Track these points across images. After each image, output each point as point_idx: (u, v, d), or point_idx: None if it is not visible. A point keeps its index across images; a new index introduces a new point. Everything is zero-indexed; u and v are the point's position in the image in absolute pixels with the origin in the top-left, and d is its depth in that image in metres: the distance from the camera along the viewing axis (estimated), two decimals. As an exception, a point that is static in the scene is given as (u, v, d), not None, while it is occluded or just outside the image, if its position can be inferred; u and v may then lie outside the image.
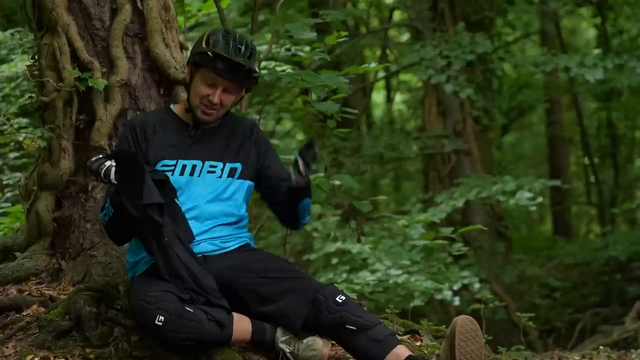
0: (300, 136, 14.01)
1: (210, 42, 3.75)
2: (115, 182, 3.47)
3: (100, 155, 3.53)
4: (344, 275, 9.04)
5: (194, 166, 3.78)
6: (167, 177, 3.68)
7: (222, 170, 3.81)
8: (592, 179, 17.04)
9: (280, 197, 3.85)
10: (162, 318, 3.38)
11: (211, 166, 3.80)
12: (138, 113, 4.38)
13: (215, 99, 3.76)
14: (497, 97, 14.01)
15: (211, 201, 3.76)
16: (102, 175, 3.47)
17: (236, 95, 3.84)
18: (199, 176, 3.77)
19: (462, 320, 3.50)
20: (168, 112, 3.97)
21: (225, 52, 3.72)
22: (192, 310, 3.43)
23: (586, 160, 17.23)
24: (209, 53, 3.73)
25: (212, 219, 3.75)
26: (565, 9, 14.37)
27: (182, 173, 3.75)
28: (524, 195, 9.88)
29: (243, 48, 3.75)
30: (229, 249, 3.75)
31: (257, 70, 3.85)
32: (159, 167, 3.75)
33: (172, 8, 4.66)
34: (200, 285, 3.51)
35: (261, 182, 3.91)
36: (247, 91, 3.91)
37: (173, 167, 3.76)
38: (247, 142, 3.90)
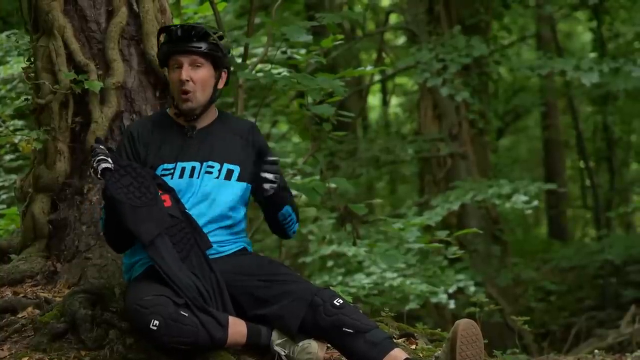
0: (296, 139, 14.00)
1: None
2: (100, 177, 3.56)
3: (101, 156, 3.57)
4: (340, 278, 9.03)
5: (193, 167, 3.75)
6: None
7: (220, 171, 3.78)
8: (588, 182, 17.07)
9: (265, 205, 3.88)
10: (156, 322, 3.37)
11: (209, 166, 3.77)
12: (134, 115, 4.38)
13: (183, 76, 3.74)
14: (493, 100, 14.02)
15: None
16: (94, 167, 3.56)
17: (207, 70, 3.79)
18: (198, 178, 3.74)
19: (465, 324, 3.48)
20: (164, 116, 3.94)
21: (168, 28, 3.82)
22: (187, 315, 3.42)
23: (582, 164, 17.26)
24: (160, 39, 3.84)
25: (209, 223, 3.73)
26: (561, 13, 14.40)
27: (181, 176, 3.73)
28: (520, 198, 9.89)
29: (189, 26, 3.79)
30: (225, 253, 3.74)
31: (213, 39, 3.77)
32: (159, 171, 3.73)
33: (168, 11, 4.66)
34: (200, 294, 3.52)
35: (256, 188, 3.84)
36: (219, 67, 3.82)
37: (172, 170, 3.74)
38: (245, 144, 3.86)
